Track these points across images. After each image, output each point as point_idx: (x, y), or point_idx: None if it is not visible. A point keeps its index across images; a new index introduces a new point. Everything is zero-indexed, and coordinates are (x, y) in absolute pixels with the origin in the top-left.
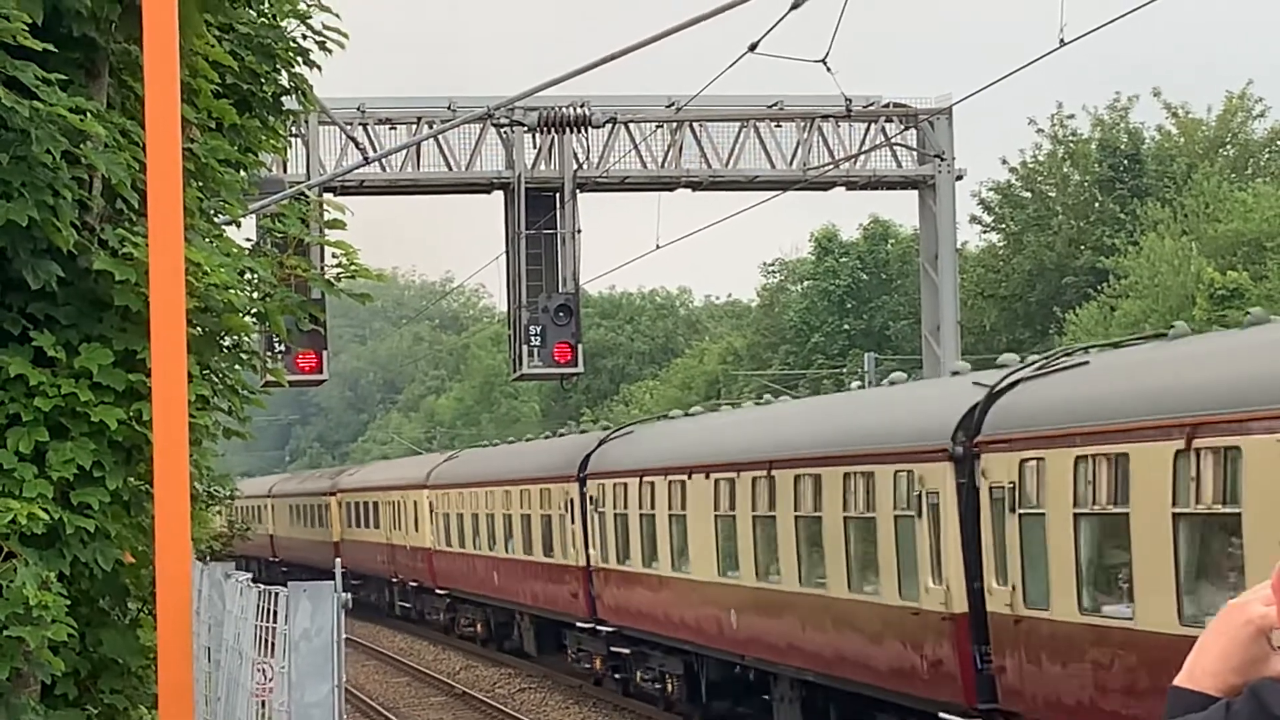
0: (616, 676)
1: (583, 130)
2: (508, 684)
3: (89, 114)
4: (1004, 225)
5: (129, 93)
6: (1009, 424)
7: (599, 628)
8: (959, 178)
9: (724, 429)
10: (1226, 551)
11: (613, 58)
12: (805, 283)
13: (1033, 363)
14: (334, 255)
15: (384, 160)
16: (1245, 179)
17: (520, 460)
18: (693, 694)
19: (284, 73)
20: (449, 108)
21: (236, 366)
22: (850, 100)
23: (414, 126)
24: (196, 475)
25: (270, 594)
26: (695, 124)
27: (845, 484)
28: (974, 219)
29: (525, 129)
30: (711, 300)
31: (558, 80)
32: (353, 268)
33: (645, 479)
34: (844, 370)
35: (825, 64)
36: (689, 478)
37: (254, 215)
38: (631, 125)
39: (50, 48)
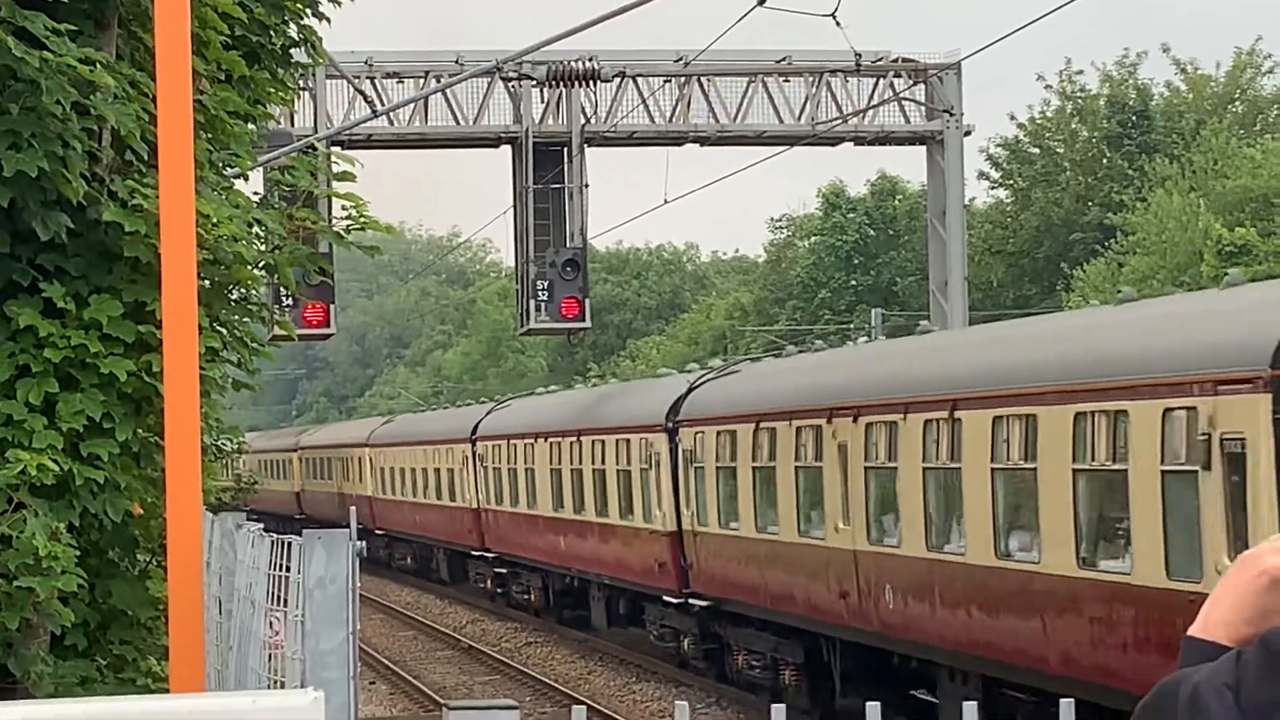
0: (705, 660)
1: (591, 84)
2: (514, 638)
3: (98, 65)
4: (1012, 181)
5: (138, 44)
6: None
7: (691, 601)
8: (967, 134)
9: (875, 360)
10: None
11: (621, 11)
12: (813, 238)
13: None
14: (343, 208)
15: (391, 114)
16: (1254, 135)
17: (585, 409)
18: (816, 685)
19: (293, 25)
20: (457, 61)
21: (245, 319)
22: (860, 55)
23: (421, 80)
24: (205, 428)
25: (283, 543)
26: (703, 79)
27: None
28: (982, 175)
29: (534, 83)
30: (718, 256)
31: (566, 34)
32: (362, 220)
33: (762, 424)
34: (851, 326)
35: (834, 18)
36: (828, 421)
37: (261, 169)
38: (639, 80)
39: None
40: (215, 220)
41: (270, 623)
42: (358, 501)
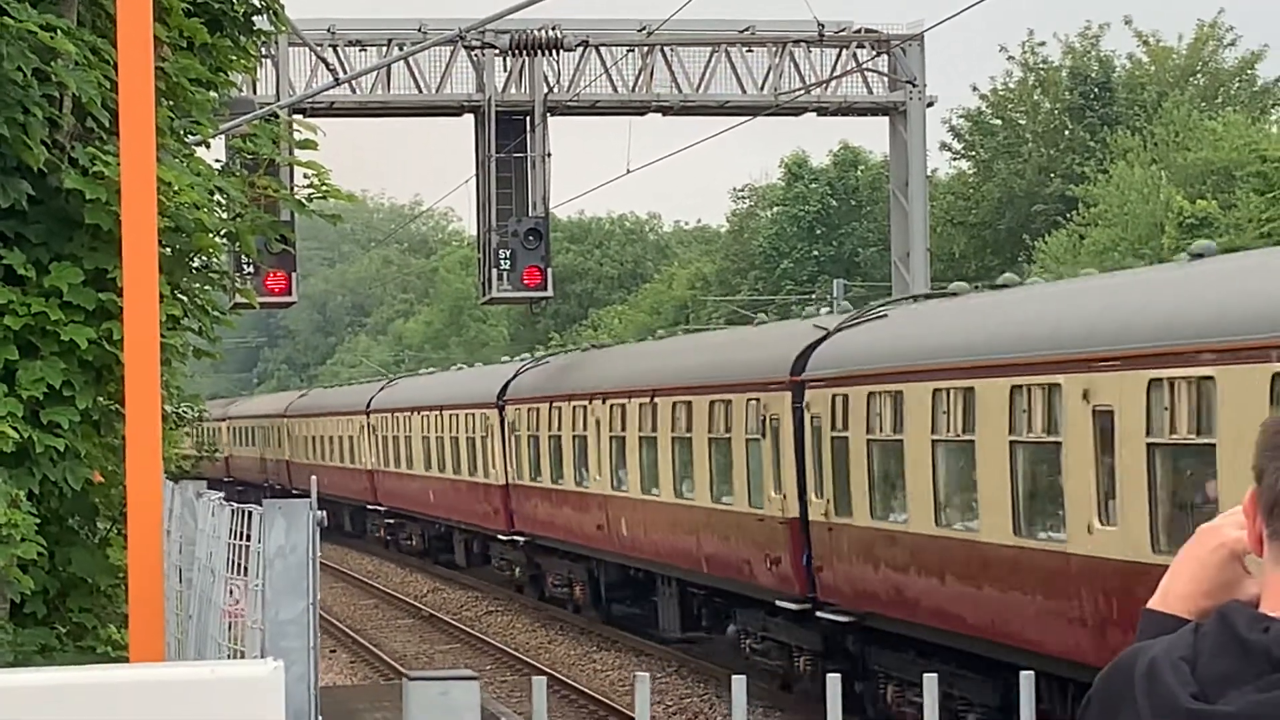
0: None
1: (554, 53)
2: (475, 606)
3: (59, 31)
4: (974, 153)
5: (100, 10)
6: None
7: (821, 615)
8: (930, 105)
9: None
10: None
11: None
12: (775, 209)
13: None
14: (305, 176)
15: (354, 82)
16: (1215, 108)
17: (660, 362)
18: None
19: None
20: (420, 30)
21: (207, 287)
22: (823, 25)
23: (384, 48)
24: (166, 396)
25: (244, 512)
26: (666, 48)
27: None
28: (944, 146)
29: (497, 52)
30: (681, 226)
31: (530, 2)
32: (324, 188)
33: (960, 380)
34: (813, 296)
35: None
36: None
37: (223, 137)
38: (602, 49)
39: None
40: (177, 188)
41: (230, 591)
42: (356, 476)
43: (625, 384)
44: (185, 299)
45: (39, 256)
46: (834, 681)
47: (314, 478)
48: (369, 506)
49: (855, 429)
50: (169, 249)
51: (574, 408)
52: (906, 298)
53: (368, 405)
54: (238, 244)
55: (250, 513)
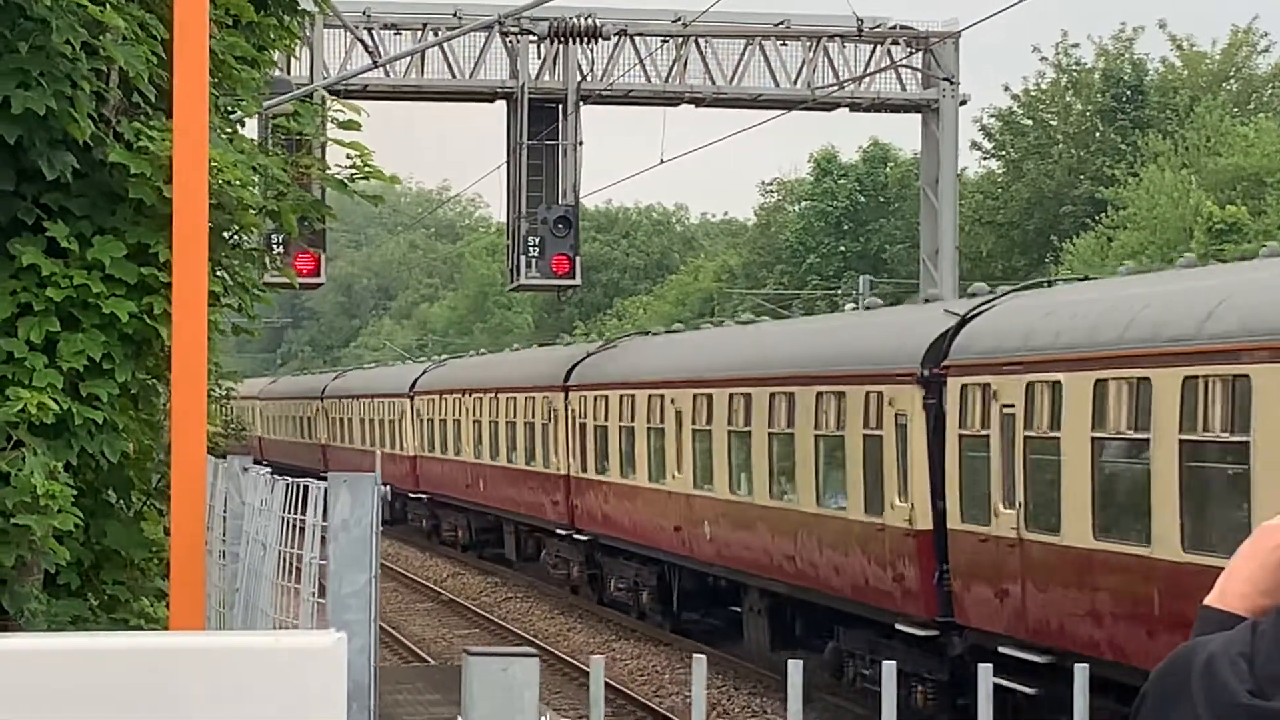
0: None
1: (591, 42)
2: (494, 592)
3: (108, 5)
4: (1004, 152)
5: None
6: None
7: (956, 637)
8: (963, 103)
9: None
10: None
11: None
12: (803, 203)
13: None
14: (348, 156)
15: (387, 66)
16: (1247, 114)
17: (755, 347)
18: None
19: None
20: (455, 15)
21: (247, 264)
22: (861, 21)
23: (419, 33)
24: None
25: (298, 487)
26: (701, 40)
27: None
28: (974, 145)
29: (533, 39)
30: (708, 218)
31: None
32: (366, 169)
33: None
34: (839, 292)
35: None
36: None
37: (259, 115)
38: (637, 39)
39: None
40: (220, 165)
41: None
42: (399, 461)
43: (712, 372)
44: (225, 276)
45: (82, 230)
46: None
47: (378, 452)
48: (410, 495)
49: (1042, 421)
50: (211, 226)
51: (649, 397)
52: (1038, 282)
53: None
54: (276, 223)
55: (305, 487)
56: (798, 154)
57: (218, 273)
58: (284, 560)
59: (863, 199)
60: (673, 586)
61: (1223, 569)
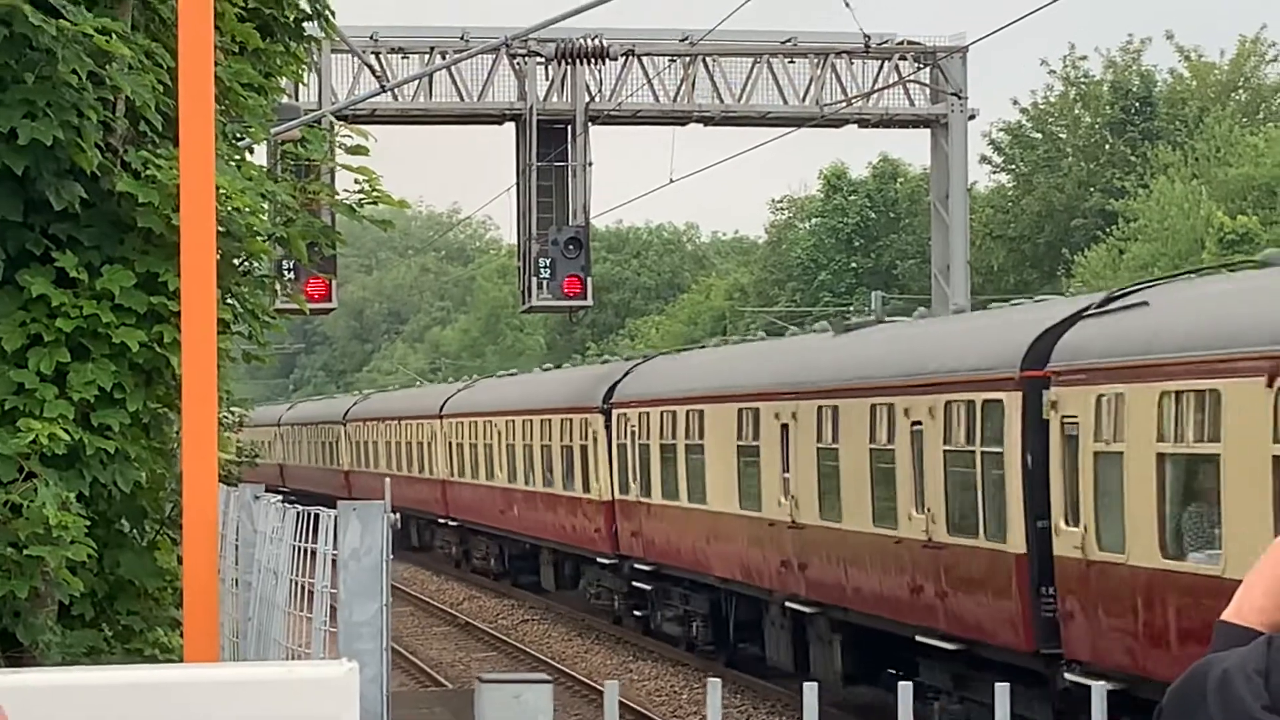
0: None
1: (598, 63)
2: (511, 615)
3: (114, 35)
4: (1014, 166)
5: (153, 15)
6: None
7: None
8: (971, 117)
9: None
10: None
11: None
12: (813, 220)
13: None
14: (356, 181)
15: (395, 89)
16: (1257, 124)
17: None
18: None
19: None
20: (462, 38)
21: (257, 291)
22: (869, 37)
23: (426, 56)
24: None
25: (308, 515)
26: (709, 58)
27: None
28: (984, 159)
29: (541, 60)
30: (719, 236)
31: (574, 12)
32: (375, 194)
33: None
34: (851, 309)
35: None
36: None
37: (267, 141)
38: (645, 59)
39: None
40: (228, 193)
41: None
42: (430, 486)
43: (788, 384)
44: (235, 303)
45: (91, 259)
46: None
47: (388, 480)
48: (439, 521)
49: (1130, 437)
50: (219, 253)
51: (723, 411)
52: (1174, 275)
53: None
54: (286, 249)
55: (315, 516)
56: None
57: (227, 300)
58: (296, 588)
59: (873, 215)
60: (723, 616)
61: None
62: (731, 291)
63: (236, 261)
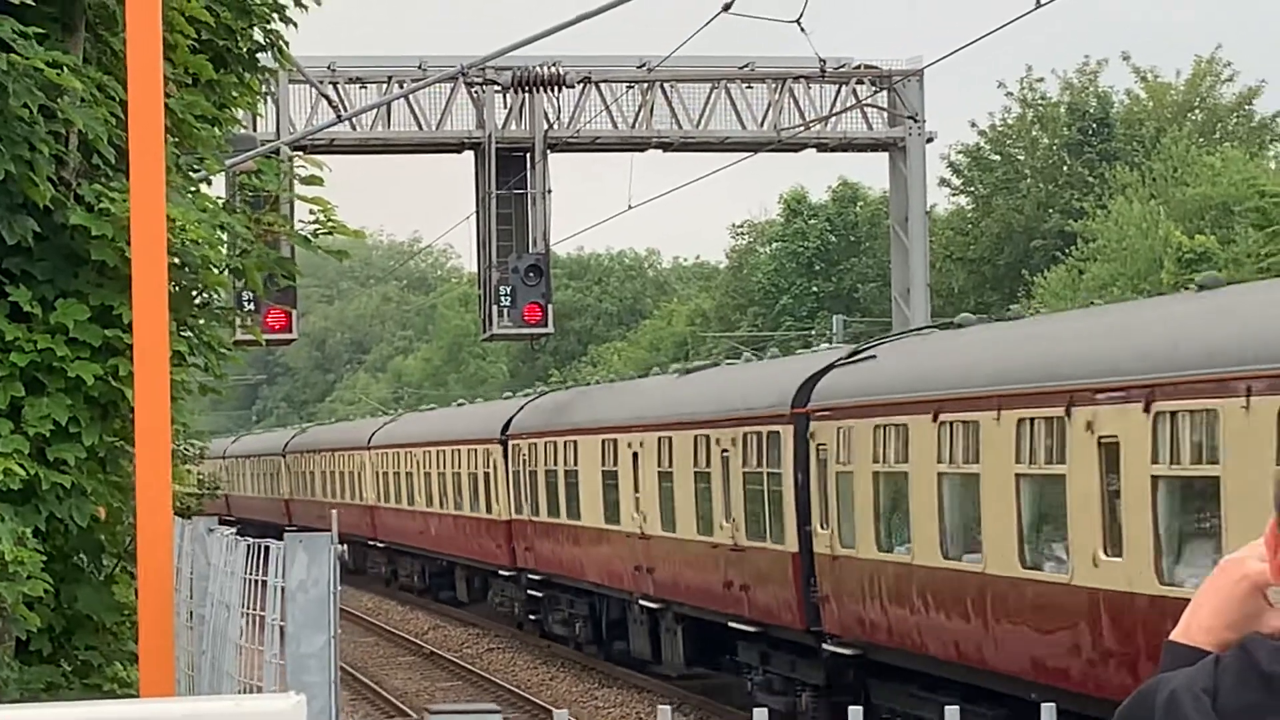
0: None
1: (555, 90)
2: (476, 644)
3: (66, 68)
4: (973, 188)
5: (105, 48)
6: None
7: None
8: (929, 140)
9: None
10: None
11: (586, 17)
12: (774, 244)
13: None
14: (311, 212)
15: (354, 119)
16: (1213, 143)
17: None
18: None
19: (259, 29)
20: (420, 67)
21: (213, 323)
22: (824, 61)
23: (384, 85)
24: (172, 433)
25: (259, 548)
26: (667, 84)
27: None
28: (943, 182)
29: (498, 88)
30: (680, 262)
31: (531, 39)
32: (330, 224)
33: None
34: (812, 332)
35: (799, 24)
36: None
37: (225, 172)
38: (603, 85)
39: (27, 1)
40: (183, 224)
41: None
42: (361, 512)
43: (637, 419)
44: (191, 335)
45: (45, 293)
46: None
47: (335, 512)
48: (369, 543)
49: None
50: (174, 285)
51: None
52: (902, 334)
53: (369, 441)
54: (243, 280)
55: (266, 548)
56: (768, 195)
57: (183, 332)
58: (250, 621)
59: (834, 239)
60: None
61: None
62: (693, 317)
63: (194, 294)
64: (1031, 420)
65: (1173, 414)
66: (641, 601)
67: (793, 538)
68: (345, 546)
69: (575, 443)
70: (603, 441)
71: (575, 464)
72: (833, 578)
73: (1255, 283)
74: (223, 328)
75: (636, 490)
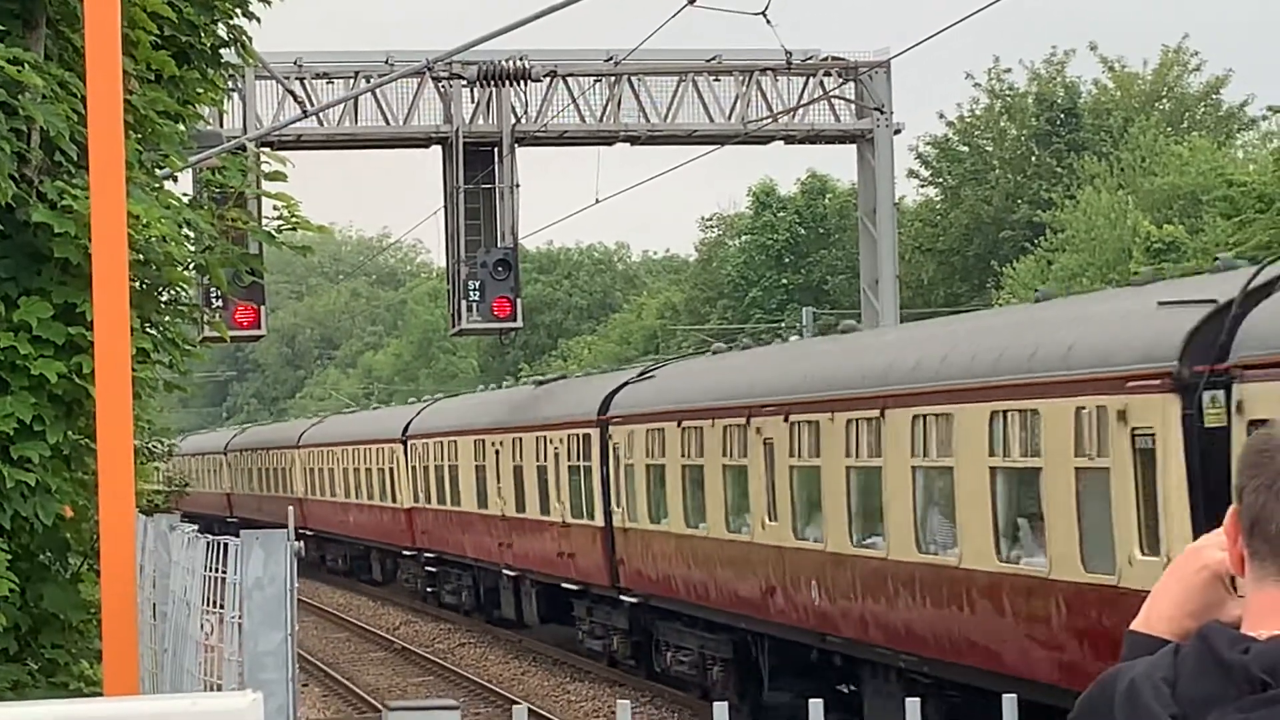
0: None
1: (522, 84)
2: (447, 639)
3: (26, 65)
4: (941, 179)
5: (66, 44)
6: None
7: None
8: (897, 132)
9: None
10: None
11: (551, 10)
12: (743, 237)
13: None
14: (275, 208)
15: (321, 115)
16: (1181, 133)
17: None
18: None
19: (222, 25)
20: (387, 62)
21: (177, 320)
22: (790, 54)
23: (351, 81)
24: (137, 430)
25: (219, 544)
26: (634, 78)
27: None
28: (911, 173)
29: (464, 83)
30: (649, 255)
31: (496, 33)
32: (294, 220)
33: None
34: (782, 325)
35: (765, 16)
36: None
37: (190, 170)
38: (570, 79)
39: None
40: (145, 221)
41: (202, 625)
42: (290, 504)
43: (497, 423)
44: (155, 332)
45: (7, 291)
46: (816, 707)
47: (291, 509)
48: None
49: None
50: (138, 282)
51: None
52: (681, 357)
53: (299, 440)
54: (207, 277)
55: (225, 545)
56: (736, 188)
57: (147, 329)
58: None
59: (802, 231)
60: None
61: None
62: (663, 310)
63: (159, 290)
64: (726, 427)
65: (799, 422)
66: (505, 571)
67: (600, 515)
68: (302, 543)
69: (455, 442)
70: (475, 441)
71: (456, 460)
72: (625, 545)
73: (1087, 294)
74: (188, 324)
75: (499, 481)
